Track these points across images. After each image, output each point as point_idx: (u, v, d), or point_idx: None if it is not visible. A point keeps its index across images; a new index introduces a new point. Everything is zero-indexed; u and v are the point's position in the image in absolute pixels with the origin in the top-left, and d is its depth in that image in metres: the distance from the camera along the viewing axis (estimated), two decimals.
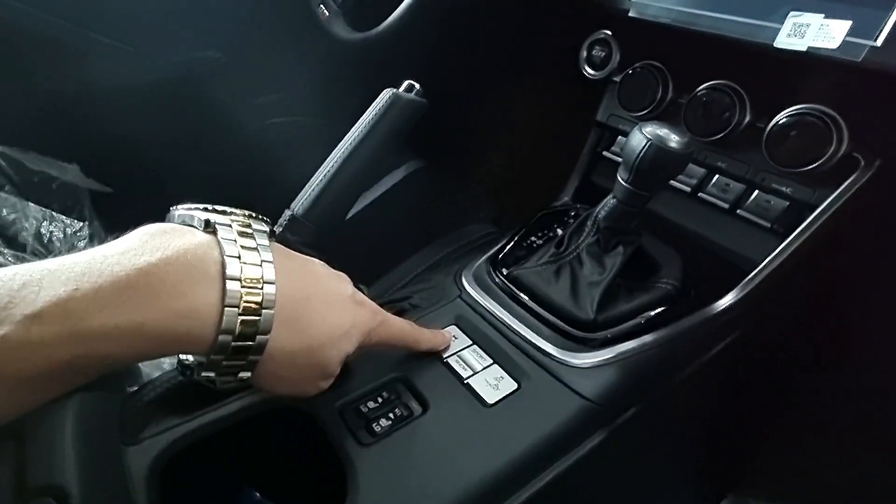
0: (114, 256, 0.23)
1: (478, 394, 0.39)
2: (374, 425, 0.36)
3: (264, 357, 0.28)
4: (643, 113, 0.54)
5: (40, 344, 0.21)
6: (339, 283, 0.34)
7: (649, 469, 0.52)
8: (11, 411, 0.23)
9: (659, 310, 0.44)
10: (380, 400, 0.38)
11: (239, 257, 0.26)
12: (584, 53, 0.60)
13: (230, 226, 0.28)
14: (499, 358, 0.42)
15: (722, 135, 0.48)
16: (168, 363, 0.56)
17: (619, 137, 0.59)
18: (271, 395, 0.37)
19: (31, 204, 0.61)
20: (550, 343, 0.43)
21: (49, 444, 0.31)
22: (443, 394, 0.39)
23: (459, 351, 0.43)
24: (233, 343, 0.26)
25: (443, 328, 0.45)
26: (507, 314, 0.46)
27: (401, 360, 0.41)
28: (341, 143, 0.39)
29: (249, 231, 0.28)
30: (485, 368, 0.41)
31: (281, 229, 0.39)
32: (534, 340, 0.43)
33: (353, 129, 0.39)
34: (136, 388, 0.37)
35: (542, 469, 0.37)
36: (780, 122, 0.44)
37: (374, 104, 0.39)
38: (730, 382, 0.53)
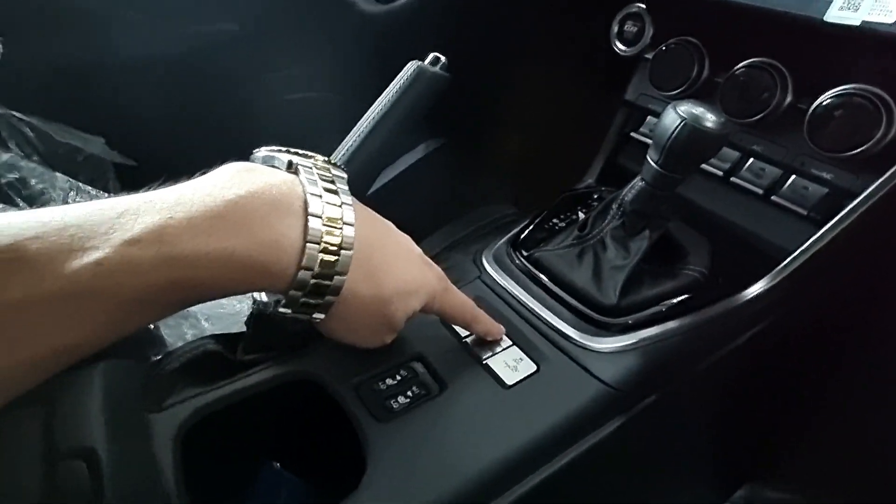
0: (206, 188, 0.24)
1: (496, 374, 0.39)
2: (391, 402, 0.36)
3: (339, 299, 0.28)
4: (676, 92, 0.52)
5: (137, 267, 0.22)
6: (409, 241, 0.35)
7: (666, 457, 0.52)
8: (110, 334, 0.24)
9: (684, 297, 0.43)
10: (398, 378, 0.38)
11: (321, 196, 0.27)
12: (616, 28, 0.57)
13: (311, 168, 0.28)
14: (518, 340, 0.42)
15: (760, 116, 0.46)
16: (191, 335, 0.57)
17: (649, 118, 0.56)
18: (299, 366, 0.38)
19: (59, 174, 0.61)
20: (571, 326, 0.42)
21: (78, 409, 0.31)
22: (461, 374, 0.39)
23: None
24: (311, 280, 0.26)
25: None
26: (528, 296, 0.45)
27: (418, 339, 0.41)
28: (365, 115, 0.39)
29: (329, 175, 0.29)
30: (504, 350, 0.41)
31: None
32: (554, 323, 0.43)
33: (377, 101, 0.38)
34: (159, 358, 0.38)
35: (558, 452, 0.37)
36: (825, 103, 0.42)
37: (398, 77, 0.38)
38: (753, 373, 0.52)
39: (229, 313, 0.59)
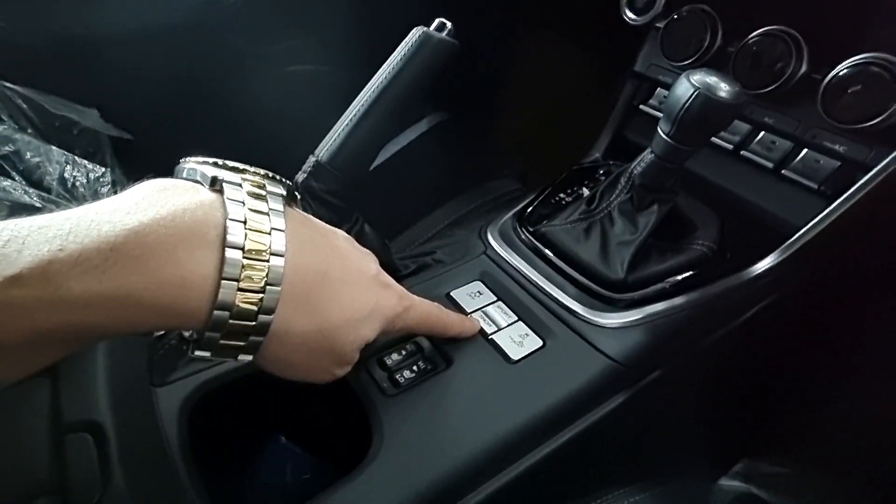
0: (105, 214, 0.21)
1: (502, 350, 0.39)
2: (397, 376, 0.36)
3: (268, 339, 0.25)
4: (687, 62, 0.50)
5: (21, 309, 0.19)
6: (362, 261, 0.30)
7: (668, 431, 0.52)
8: (7, 376, 0.21)
9: (691, 272, 0.43)
10: (403, 353, 0.38)
11: (245, 222, 0.23)
12: None
13: (240, 185, 0.24)
14: (524, 315, 0.42)
15: (773, 87, 0.44)
16: None
17: (658, 90, 0.55)
18: None
19: (54, 148, 0.60)
20: (577, 302, 0.42)
21: (83, 383, 0.31)
22: (467, 349, 0.39)
23: (484, 307, 0.42)
24: (230, 321, 0.23)
25: (467, 284, 0.44)
26: (534, 271, 0.45)
27: None
28: (368, 84, 0.37)
29: (262, 193, 0.25)
30: (509, 325, 0.41)
31: (305, 176, 0.37)
32: (560, 298, 0.42)
33: (381, 70, 0.37)
34: (163, 332, 0.38)
35: (563, 427, 0.37)
36: (841, 73, 0.40)
37: (402, 43, 0.36)
38: (758, 348, 0.52)
39: None
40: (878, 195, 0.41)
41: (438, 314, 0.37)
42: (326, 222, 0.30)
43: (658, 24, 0.52)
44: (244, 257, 0.23)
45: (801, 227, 0.43)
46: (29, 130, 0.61)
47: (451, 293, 0.43)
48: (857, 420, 0.62)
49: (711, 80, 0.36)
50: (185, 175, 0.25)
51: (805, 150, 0.45)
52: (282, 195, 0.26)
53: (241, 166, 0.26)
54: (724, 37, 0.48)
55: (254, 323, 0.24)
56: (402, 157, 0.66)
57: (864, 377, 0.60)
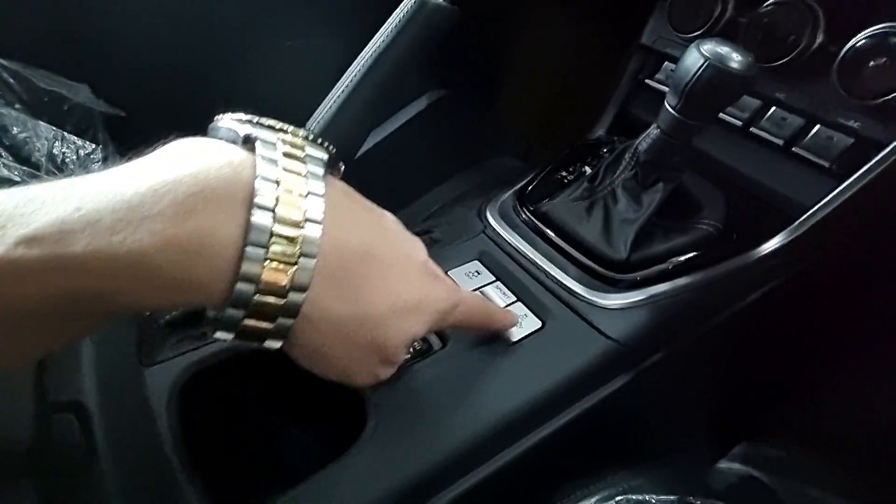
0: (128, 175, 0.19)
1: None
2: None
3: (300, 322, 0.22)
4: (695, 34, 0.48)
5: (30, 272, 0.17)
6: (411, 246, 0.27)
7: (668, 414, 0.52)
8: (12, 358, 0.20)
9: (696, 252, 0.41)
10: None
11: (277, 184, 0.20)
12: None
13: (274, 144, 0.21)
14: (523, 295, 0.41)
15: (786, 60, 0.42)
16: None
17: (666, 63, 0.53)
18: None
19: (42, 123, 0.59)
20: (578, 282, 0.41)
21: (69, 362, 0.31)
22: (463, 329, 0.38)
23: (482, 287, 0.41)
24: (255, 297, 0.20)
25: (464, 263, 0.43)
26: (534, 251, 0.43)
27: None
28: (362, 53, 0.35)
29: (300, 154, 0.22)
30: (508, 305, 0.40)
31: None
32: (560, 279, 0.41)
33: (375, 37, 0.35)
34: (152, 311, 0.37)
35: (561, 409, 0.36)
36: (858, 44, 0.38)
37: (398, 9, 0.35)
38: (762, 331, 0.51)
39: None
40: (893, 174, 0.39)
41: (486, 308, 0.34)
42: None
43: None
44: (275, 221, 0.20)
45: (811, 207, 0.41)
46: (17, 105, 0.59)
47: (449, 273, 0.42)
48: (858, 404, 0.62)
49: (723, 50, 0.34)
50: (219, 134, 0.23)
51: (817, 127, 0.43)
52: (322, 159, 0.23)
53: (280, 125, 0.23)
54: (735, 6, 0.46)
55: (283, 301, 0.20)
56: (401, 134, 0.65)
57: (869, 362, 0.59)
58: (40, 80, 0.64)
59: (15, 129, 0.56)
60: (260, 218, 0.19)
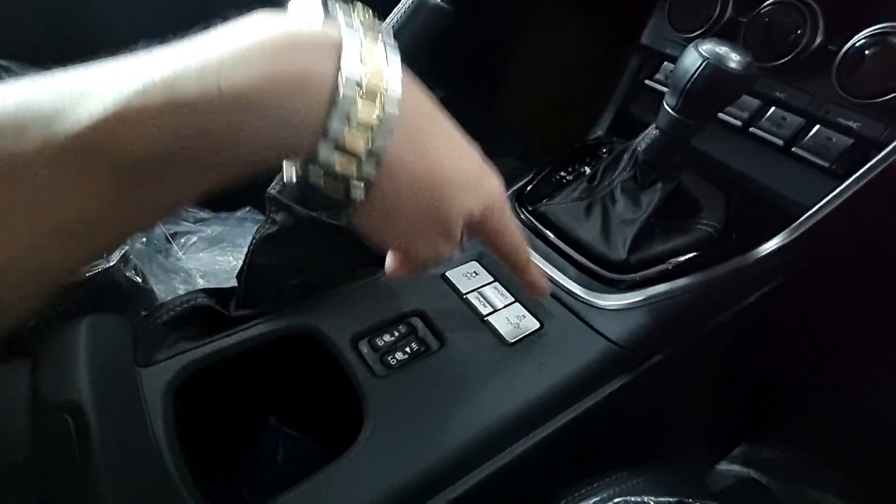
0: (218, 32, 0.21)
1: (497, 332, 0.38)
2: (388, 358, 0.35)
3: (381, 171, 0.23)
4: (695, 34, 0.48)
5: (141, 117, 0.18)
6: (468, 139, 0.28)
7: (667, 416, 0.52)
8: (115, 211, 0.20)
9: (695, 253, 0.41)
10: (396, 334, 0.37)
11: (361, 43, 0.22)
12: None
13: (351, 16, 0.23)
14: (521, 296, 0.40)
15: (785, 59, 0.42)
16: (183, 289, 0.56)
17: (665, 63, 0.53)
18: (295, 321, 0.35)
19: None
20: (577, 283, 0.41)
21: (63, 363, 0.30)
22: (461, 330, 0.38)
23: (480, 287, 0.41)
24: (348, 131, 0.21)
25: (463, 264, 0.43)
26: (532, 252, 0.43)
27: (418, 294, 0.40)
28: None
29: (374, 26, 0.23)
30: (506, 306, 0.40)
31: None
32: (559, 280, 0.41)
33: None
34: (149, 311, 0.37)
35: (560, 410, 0.36)
36: (858, 43, 0.38)
37: (396, 9, 0.35)
38: (762, 332, 0.51)
39: (223, 269, 0.57)
40: (893, 174, 0.39)
41: (524, 244, 0.33)
42: None
43: None
44: (361, 62, 0.21)
45: (811, 208, 0.41)
46: None
47: (447, 273, 0.42)
48: (858, 406, 0.61)
49: (721, 49, 0.34)
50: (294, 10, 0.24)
51: (817, 127, 0.43)
52: (393, 44, 0.24)
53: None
54: (735, 6, 0.46)
55: (370, 145, 0.22)
56: None
57: (869, 364, 0.59)
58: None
59: None
60: (349, 60, 0.21)
